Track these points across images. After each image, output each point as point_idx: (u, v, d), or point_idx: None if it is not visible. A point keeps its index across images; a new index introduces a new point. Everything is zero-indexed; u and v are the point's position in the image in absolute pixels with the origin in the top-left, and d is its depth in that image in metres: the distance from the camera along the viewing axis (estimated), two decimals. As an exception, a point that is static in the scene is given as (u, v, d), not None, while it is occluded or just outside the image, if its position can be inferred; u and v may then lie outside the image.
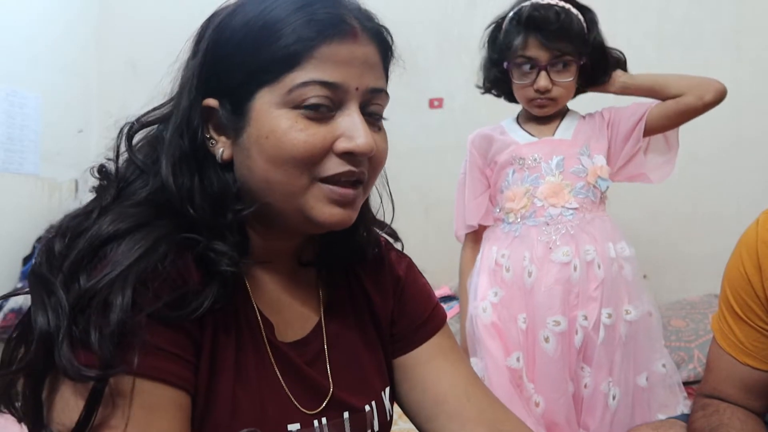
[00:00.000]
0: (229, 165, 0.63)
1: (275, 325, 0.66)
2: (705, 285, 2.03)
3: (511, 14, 1.35)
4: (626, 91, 1.39)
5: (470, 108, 2.48)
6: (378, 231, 0.78)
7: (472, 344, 1.36)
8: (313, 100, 0.58)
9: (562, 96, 1.34)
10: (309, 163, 0.59)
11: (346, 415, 0.68)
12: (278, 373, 0.64)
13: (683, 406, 1.27)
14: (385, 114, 0.67)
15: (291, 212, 0.62)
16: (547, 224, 1.31)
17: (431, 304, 0.80)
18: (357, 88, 0.60)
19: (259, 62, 0.59)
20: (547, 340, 1.26)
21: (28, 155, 2.82)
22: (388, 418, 0.74)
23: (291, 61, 0.58)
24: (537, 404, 1.25)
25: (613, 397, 1.25)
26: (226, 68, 0.61)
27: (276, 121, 0.59)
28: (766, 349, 0.90)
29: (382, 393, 0.74)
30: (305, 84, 0.58)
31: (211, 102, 0.62)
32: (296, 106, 0.59)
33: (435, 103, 2.64)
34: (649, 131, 1.36)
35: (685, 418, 0.99)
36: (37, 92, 2.84)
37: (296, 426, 0.64)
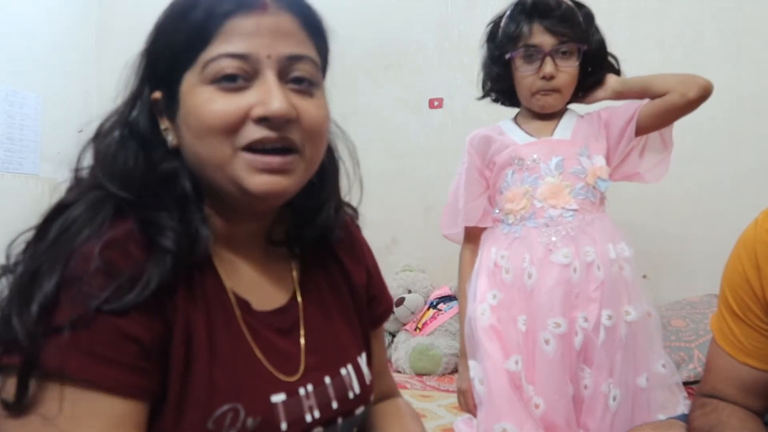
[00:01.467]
0: (178, 151, 0.66)
1: (250, 301, 0.68)
2: (705, 285, 2.03)
3: (512, 6, 1.36)
4: (620, 96, 1.39)
5: (470, 108, 2.48)
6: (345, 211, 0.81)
7: (470, 347, 1.36)
8: (225, 73, 0.61)
9: (566, 85, 1.34)
10: (226, 131, 0.61)
11: (327, 380, 0.70)
12: (254, 347, 0.65)
13: (683, 406, 1.27)
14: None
15: (226, 185, 0.63)
16: (547, 226, 1.31)
17: (385, 286, 0.87)
18: (269, 56, 0.62)
19: (178, 46, 0.62)
20: (547, 342, 1.25)
21: (28, 155, 2.82)
22: (368, 381, 0.76)
23: (202, 40, 0.61)
24: (537, 406, 1.24)
25: (614, 398, 1.25)
26: (158, 58, 0.65)
27: (196, 98, 0.62)
28: (765, 348, 0.90)
29: (359, 358, 0.76)
30: (215, 59, 0.61)
31: (156, 94, 0.65)
32: (212, 81, 0.61)
33: (435, 103, 2.64)
34: (641, 130, 1.36)
35: (685, 418, 0.99)
36: (37, 92, 2.84)
37: (281, 396, 0.65)
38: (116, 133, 0.65)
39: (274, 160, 0.62)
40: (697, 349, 1.79)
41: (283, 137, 0.62)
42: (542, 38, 1.31)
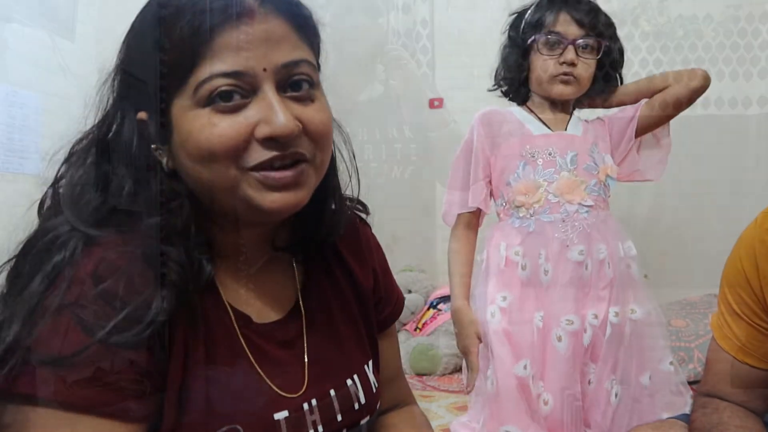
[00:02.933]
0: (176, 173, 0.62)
1: (251, 315, 0.66)
2: (705, 285, 2.03)
3: None
4: (621, 102, 1.40)
5: (470, 108, 2.48)
6: (348, 205, 0.77)
7: (482, 347, 1.35)
8: (219, 93, 0.57)
9: (584, 77, 1.34)
10: (231, 155, 0.57)
11: (332, 392, 0.68)
12: (255, 364, 0.64)
13: (690, 406, 1.27)
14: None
15: (237, 205, 0.60)
16: (563, 221, 1.30)
17: (394, 285, 0.85)
18: (265, 69, 0.57)
19: (163, 68, 0.58)
20: (560, 339, 1.25)
21: (28, 155, 2.82)
22: (374, 389, 0.74)
23: (191, 61, 0.56)
24: (546, 402, 1.24)
25: (616, 395, 1.25)
26: (140, 78, 0.61)
27: (191, 123, 0.57)
28: (764, 347, 0.90)
29: (365, 366, 0.74)
30: (207, 80, 0.56)
31: (142, 115, 0.61)
32: (206, 103, 0.57)
33: (435, 103, 2.64)
34: (640, 130, 1.36)
35: (685, 417, 0.99)
36: (37, 92, 2.84)
37: (284, 413, 0.63)
38: (91, 159, 0.63)
39: (287, 175, 0.59)
40: (697, 349, 1.79)
41: (292, 153, 0.59)
42: (567, 27, 1.32)
